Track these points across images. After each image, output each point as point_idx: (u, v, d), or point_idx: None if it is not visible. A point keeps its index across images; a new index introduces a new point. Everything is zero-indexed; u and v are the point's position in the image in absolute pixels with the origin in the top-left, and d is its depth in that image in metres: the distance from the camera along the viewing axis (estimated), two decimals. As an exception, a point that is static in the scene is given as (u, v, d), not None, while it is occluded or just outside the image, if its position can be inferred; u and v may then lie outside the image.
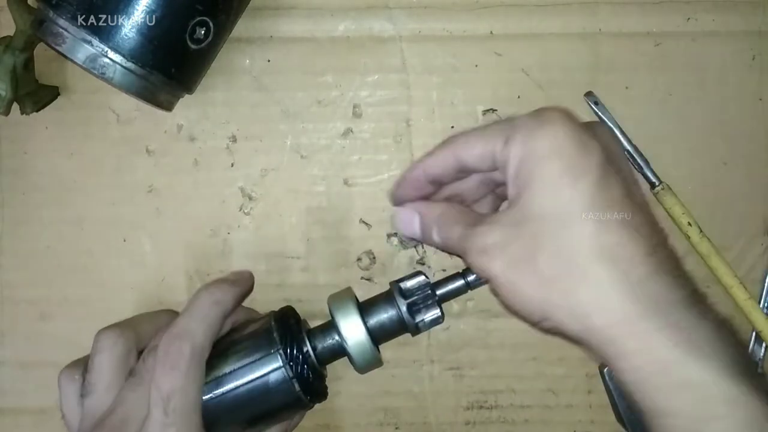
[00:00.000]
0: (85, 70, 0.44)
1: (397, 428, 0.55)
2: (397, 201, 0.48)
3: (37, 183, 0.54)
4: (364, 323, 0.46)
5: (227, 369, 0.45)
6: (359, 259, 0.54)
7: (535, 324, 0.38)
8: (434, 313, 0.46)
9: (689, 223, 0.52)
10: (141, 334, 0.44)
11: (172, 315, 0.46)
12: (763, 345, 0.53)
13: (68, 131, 0.53)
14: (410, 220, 0.46)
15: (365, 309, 0.47)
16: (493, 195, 0.47)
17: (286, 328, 0.46)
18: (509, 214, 0.38)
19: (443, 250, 0.46)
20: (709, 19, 0.53)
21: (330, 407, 0.54)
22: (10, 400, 0.54)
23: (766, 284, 0.54)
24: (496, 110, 0.53)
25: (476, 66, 0.53)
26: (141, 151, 0.53)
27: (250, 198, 0.54)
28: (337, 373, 0.53)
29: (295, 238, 0.54)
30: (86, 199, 0.53)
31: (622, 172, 0.38)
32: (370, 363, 0.47)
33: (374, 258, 0.54)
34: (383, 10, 0.53)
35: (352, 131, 0.53)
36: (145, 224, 0.54)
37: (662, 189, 0.52)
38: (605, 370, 0.52)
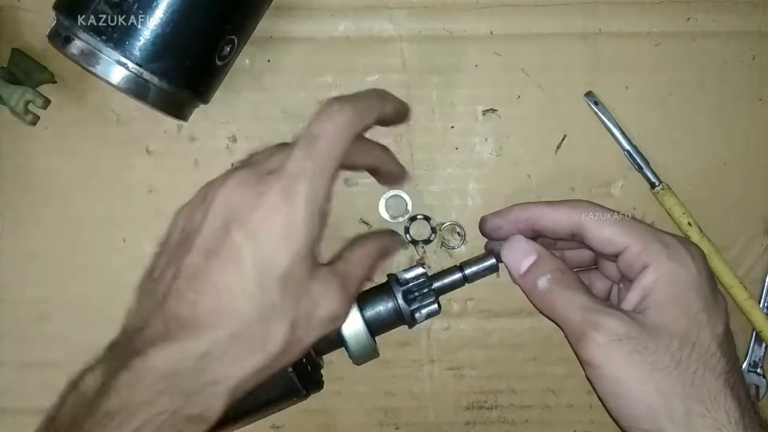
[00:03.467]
0: (117, 89, 0.45)
1: (397, 428, 0.55)
2: (490, 230, 0.47)
3: (37, 183, 0.53)
4: (361, 313, 0.46)
5: None
6: (359, 259, 0.54)
7: (628, 426, 0.41)
8: (431, 303, 0.47)
9: (689, 223, 0.52)
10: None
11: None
12: (763, 345, 0.53)
13: (68, 131, 0.53)
14: (526, 254, 0.45)
15: (362, 299, 0.47)
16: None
17: None
18: (641, 319, 0.41)
19: (528, 296, 0.45)
20: (709, 19, 0.53)
21: (330, 407, 0.54)
22: (10, 400, 0.54)
23: (766, 284, 0.54)
24: (496, 110, 0.53)
25: (476, 66, 0.53)
26: (141, 151, 0.53)
27: (250, 198, 0.53)
28: (338, 373, 0.53)
29: (295, 238, 0.54)
30: (86, 199, 0.53)
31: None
32: (367, 353, 0.47)
33: (374, 258, 0.54)
34: (383, 10, 0.53)
35: (352, 131, 0.53)
36: (145, 224, 0.53)
37: (662, 189, 0.52)
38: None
